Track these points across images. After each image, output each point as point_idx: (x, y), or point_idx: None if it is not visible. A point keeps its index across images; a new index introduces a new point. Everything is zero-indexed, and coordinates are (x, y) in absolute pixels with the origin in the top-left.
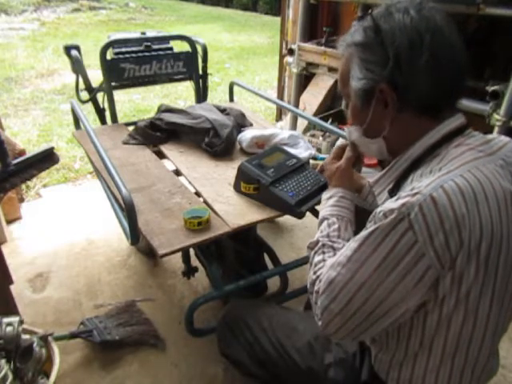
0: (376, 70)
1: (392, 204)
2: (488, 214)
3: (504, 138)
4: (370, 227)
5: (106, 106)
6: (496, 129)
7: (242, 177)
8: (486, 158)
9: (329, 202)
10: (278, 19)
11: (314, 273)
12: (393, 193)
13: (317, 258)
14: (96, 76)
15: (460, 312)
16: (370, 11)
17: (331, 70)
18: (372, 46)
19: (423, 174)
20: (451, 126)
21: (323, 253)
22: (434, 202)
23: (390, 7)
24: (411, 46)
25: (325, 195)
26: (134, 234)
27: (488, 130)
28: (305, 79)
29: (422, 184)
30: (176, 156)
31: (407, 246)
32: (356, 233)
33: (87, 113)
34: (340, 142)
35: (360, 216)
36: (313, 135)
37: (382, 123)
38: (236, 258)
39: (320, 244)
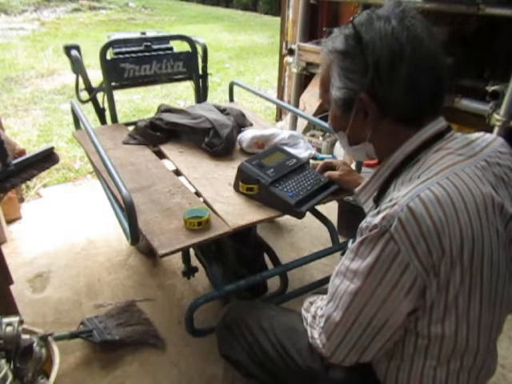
0: (356, 80)
1: (375, 219)
2: (467, 220)
3: (488, 137)
4: (358, 238)
5: (106, 106)
6: (496, 129)
7: (242, 177)
8: (465, 161)
9: None
10: (278, 19)
11: (315, 307)
12: (378, 201)
13: (317, 304)
14: (96, 76)
15: (451, 317)
16: (351, 18)
17: None
18: (353, 54)
19: (404, 181)
20: (431, 131)
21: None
22: (412, 212)
23: (371, 15)
24: (392, 57)
25: None
26: (134, 234)
27: (488, 130)
28: (305, 79)
29: (400, 194)
30: (176, 156)
31: (391, 256)
32: (354, 232)
33: (87, 113)
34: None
35: (360, 216)
36: (313, 135)
37: (362, 131)
38: (236, 257)
39: (319, 298)
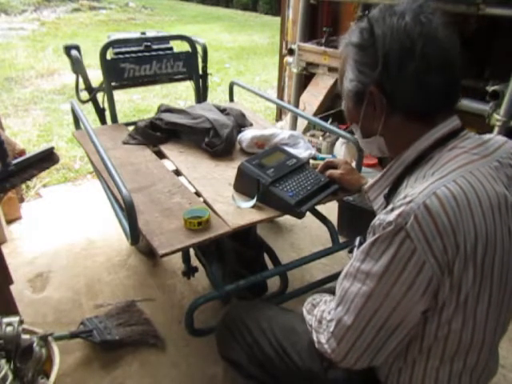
0: (367, 72)
1: (389, 216)
2: (482, 219)
3: (500, 139)
4: (370, 238)
5: (106, 106)
6: (496, 129)
7: (242, 177)
8: (479, 160)
9: None
10: (278, 19)
11: (319, 310)
12: (388, 198)
13: (322, 307)
14: (96, 76)
15: (459, 317)
16: (366, 12)
17: (331, 69)
18: (365, 47)
19: (417, 178)
20: (444, 130)
21: (325, 303)
22: (428, 209)
23: (387, 10)
24: (401, 51)
25: None
26: (134, 234)
27: (488, 130)
28: (305, 79)
29: (415, 191)
30: (176, 156)
31: (407, 254)
32: (356, 231)
33: (87, 113)
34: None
35: (359, 216)
36: (313, 135)
37: (372, 124)
38: (236, 257)
39: (322, 301)
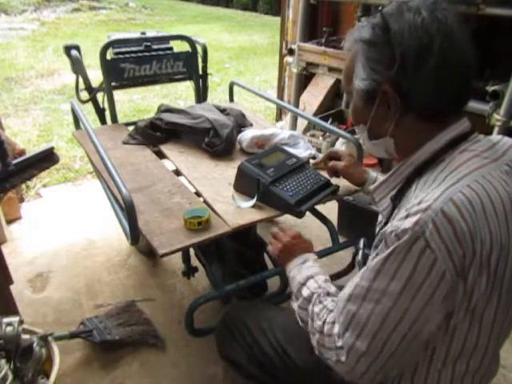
0: (380, 71)
1: (403, 223)
2: (496, 223)
3: (508, 141)
4: (383, 252)
5: (106, 106)
6: (496, 129)
7: (242, 176)
8: (491, 164)
9: (306, 265)
10: (278, 19)
11: (319, 319)
12: (396, 200)
13: (317, 309)
14: (96, 76)
15: (466, 322)
16: (379, 8)
17: (331, 69)
18: (379, 44)
19: (427, 182)
20: (456, 132)
21: (320, 302)
22: (446, 216)
23: (401, 5)
24: (419, 49)
25: (296, 262)
26: (134, 234)
27: (488, 130)
28: (305, 79)
29: (430, 197)
30: (176, 156)
31: (428, 265)
32: (356, 231)
33: (87, 113)
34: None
35: (359, 216)
36: (313, 135)
37: (383, 125)
38: (236, 257)
39: (315, 295)
